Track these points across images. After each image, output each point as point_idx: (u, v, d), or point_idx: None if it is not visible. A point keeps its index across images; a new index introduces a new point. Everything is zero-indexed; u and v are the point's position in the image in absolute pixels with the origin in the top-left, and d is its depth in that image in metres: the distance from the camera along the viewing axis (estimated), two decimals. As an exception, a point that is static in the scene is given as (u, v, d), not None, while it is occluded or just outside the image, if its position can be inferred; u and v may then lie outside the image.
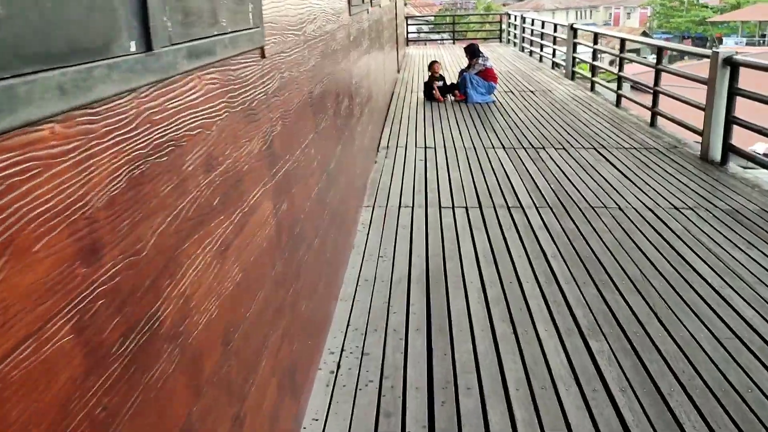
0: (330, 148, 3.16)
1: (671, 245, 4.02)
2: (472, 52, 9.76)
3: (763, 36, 49.38)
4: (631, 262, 3.78)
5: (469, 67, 9.73)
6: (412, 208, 4.83)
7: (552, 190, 5.19)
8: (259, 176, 1.78)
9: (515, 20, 18.28)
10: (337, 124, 3.41)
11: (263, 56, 1.84)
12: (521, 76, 12.07)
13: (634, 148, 6.58)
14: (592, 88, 10.33)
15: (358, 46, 4.71)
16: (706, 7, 55.69)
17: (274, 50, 1.96)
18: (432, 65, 9.80)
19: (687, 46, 6.89)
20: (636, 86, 9.14)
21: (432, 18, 39.13)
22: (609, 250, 3.95)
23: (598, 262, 3.79)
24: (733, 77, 5.69)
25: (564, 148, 6.59)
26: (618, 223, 4.42)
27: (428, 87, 9.66)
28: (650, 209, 4.70)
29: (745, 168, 6.02)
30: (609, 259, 3.83)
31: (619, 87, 8.94)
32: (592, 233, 4.23)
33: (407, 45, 20.41)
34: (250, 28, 1.71)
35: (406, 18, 21.80)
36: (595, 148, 6.56)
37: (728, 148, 5.77)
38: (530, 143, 6.83)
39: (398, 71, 12.96)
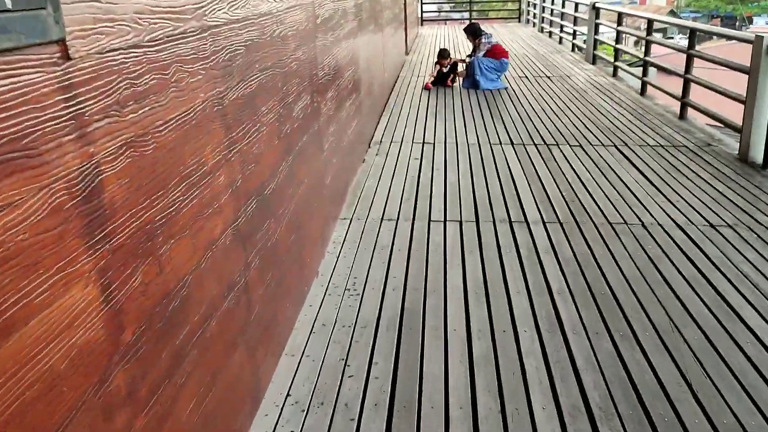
0: (268, 164, 2.45)
1: (707, 278, 3.27)
2: (473, 32, 8.88)
3: (796, 16, 47.39)
4: (657, 303, 3.03)
5: (474, 50, 8.90)
6: (397, 221, 4.11)
7: (564, 199, 4.43)
8: (59, 255, 1.08)
9: (535, -1, 17.29)
10: (284, 130, 2.69)
11: (67, 57, 1.13)
12: (538, 60, 11.20)
13: (661, 145, 5.77)
14: (615, 74, 9.45)
15: (334, 30, 3.96)
16: (737, -15, 53.68)
17: (101, 45, 1.25)
18: (440, 57, 8.90)
19: (722, 29, 6.09)
20: (661, 69, 8.26)
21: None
22: (629, 285, 3.20)
23: (614, 302, 3.05)
24: (781, 66, 4.86)
25: (580, 145, 5.80)
26: (641, 246, 3.66)
27: (438, 78, 8.85)
28: (680, 226, 3.93)
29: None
30: (629, 297, 3.09)
31: (645, 73, 8.08)
32: (608, 260, 3.48)
33: (421, 24, 19.52)
34: (26, 9, 1.00)
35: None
36: (615, 146, 5.76)
37: (772, 149, 4.96)
38: (542, 138, 6.04)
39: (407, 53, 12.15)
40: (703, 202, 4.32)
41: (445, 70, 8.85)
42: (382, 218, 4.15)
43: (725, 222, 3.99)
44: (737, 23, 51.31)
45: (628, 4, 57.39)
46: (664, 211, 4.19)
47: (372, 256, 3.61)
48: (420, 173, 5.04)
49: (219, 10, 1.91)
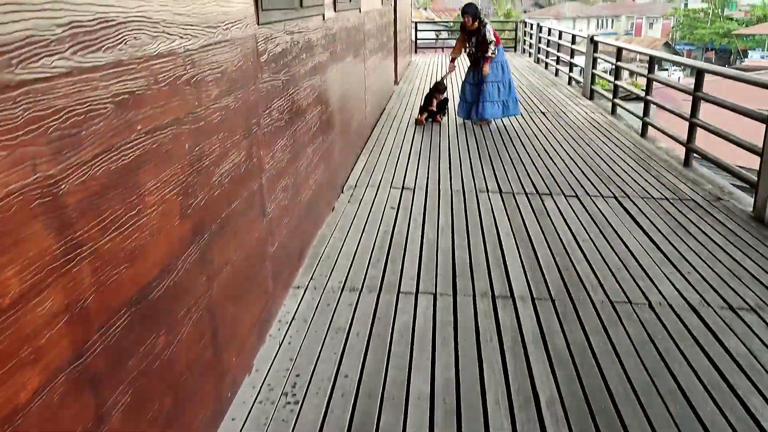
0: (160, 255, 1.82)
1: (731, 385, 2.64)
2: (475, 13, 7.76)
3: (791, 51, 47.47)
4: (672, 425, 2.40)
5: (478, 42, 7.73)
6: (360, 292, 3.47)
7: (557, 266, 3.81)
8: None
9: (531, 29, 16.86)
10: (193, 204, 2.06)
11: None
12: (533, 93, 10.67)
13: (666, 198, 5.17)
14: (614, 111, 8.91)
15: (291, 66, 3.36)
16: (731, 19, 53.87)
17: None
18: (435, 91, 8.19)
19: (734, 71, 5.52)
20: (664, 109, 7.68)
21: (449, 23, 37.66)
22: (636, 396, 2.57)
23: (619, 423, 2.41)
24: (805, 118, 4.28)
25: (577, 196, 5.19)
26: (648, 336, 3.03)
27: (426, 111, 8.20)
28: (694, 309, 3.31)
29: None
30: (636, 416, 2.45)
31: (646, 113, 7.53)
32: (610, 358, 2.85)
33: (415, 52, 19.09)
34: None
35: (415, 23, 20.46)
36: (616, 197, 5.16)
37: (794, 210, 4.36)
38: (534, 186, 5.44)
39: (396, 83, 11.62)
40: (719, 276, 3.70)
41: (434, 109, 8.21)
42: (343, 288, 3.52)
43: (747, 304, 3.36)
44: (732, 56, 51.43)
45: (623, 36, 57.60)
46: (674, 285, 3.57)
47: (323, 342, 2.97)
48: (394, 228, 4.42)
49: (50, 55, 1.29)
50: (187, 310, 2.02)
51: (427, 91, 8.70)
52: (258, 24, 2.73)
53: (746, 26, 51.69)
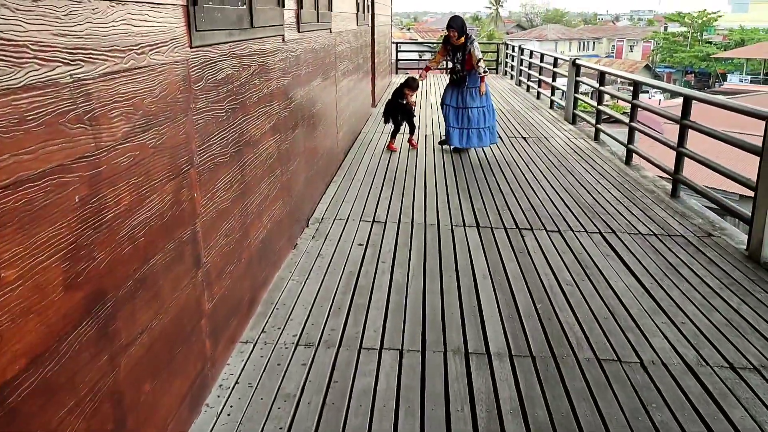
0: (27, 344, 1.42)
1: (741, 473, 2.26)
2: (461, 28, 7.19)
3: (768, 74, 48.07)
4: None
5: (465, 60, 7.23)
6: (317, 348, 3.06)
7: (538, 315, 3.43)
8: None
9: (513, 51, 16.68)
10: (87, 269, 1.66)
11: None
12: (514, 117, 10.39)
13: (654, 234, 4.83)
14: (597, 137, 8.63)
15: (239, 94, 2.98)
16: (710, 43, 54.57)
17: None
18: (406, 87, 7.47)
19: (725, 99, 5.24)
20: (650, 137, 7.36)
21: (432, 43, 37.53)
22: (631, 486, 2.19)
23: None
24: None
25: (559, 231, 4.84)
26: (641, 402, 2.66)
27: (390, 110, 7.68)
28: (691, 369, 2.94)
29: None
30: None
31: (630, 140, 7.23)
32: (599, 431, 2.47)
33: (395, 72, 18.84)
34: None
35: (397, 44, 20.25)
36: (600, 233, 4.82)
37: (792, 250, 4.03)
38: (514, 220, 5.08)
39: (374, 105, 11.29)
40: (716, 326, 3.35)
41: (408, 100, 7.46)
42: (297, 343, 3.11)
43: (750, 363, 3.00)
44: (711, 80, 52.00)
45: (605, 58, 58.13)
46: (667, 339, 3.20)
47: (269, 413, 2.55)
48: (361, 269, 4.02)
49: None
50: (75, 404, 1.61)
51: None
52: (191, 47, 2.35)
53: (725, 50, 52.35)
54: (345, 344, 3.10)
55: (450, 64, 7.49)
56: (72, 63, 1.57)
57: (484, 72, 7.22)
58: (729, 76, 50.91)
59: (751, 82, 47.70)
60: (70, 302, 1.59)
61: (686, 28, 55.39)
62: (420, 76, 7.82)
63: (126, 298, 1.88)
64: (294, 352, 3.02)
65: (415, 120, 8.05)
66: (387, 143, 7.83)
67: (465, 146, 7.46)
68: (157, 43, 2.06)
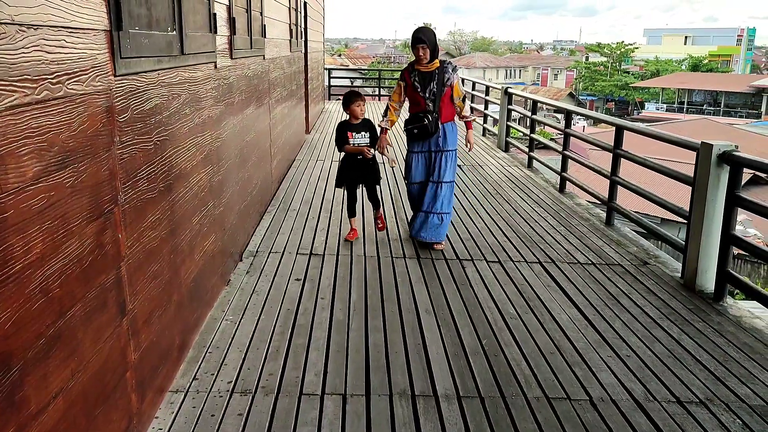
0: None
1: None
2: (432, 43, 4.75)
3: (682, 103, 50.74)
4: None
5: (439, 94, 4.77)
6: (253, 395, 2.85)
7: (484, 352, 3.33)
8: None
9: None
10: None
11: None
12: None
13: (592, 263, 4.85)
14: (530, 165, 8.75)
15: (169, 125, 2.77)
16: (628, 72, 57.24)
17: None
18: (350, 101, 4.96)
19: (662, 131, 5.34)
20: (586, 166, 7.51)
21: (364, 70, 37.78)
22: None
23: None
24: (734, 181, 4.07)
25: (499, 261, 4.79)
26: (595, 445, 2.59)
27: (342, 136, 5.01)
28: (640, 405, 2.89)
29: (744, 306, 4.34)
30: None
31: (564, 168, 7.35)
32: (554, 480, 2.36)
33: (329, 98, 18.77)
34: None
35: (329, 70, 20.22)
36: (540, 263, 4.80)
37: (726, 278, 4.10)
38: (454, 250, 5.01)
39: (308, 131, 11.14)
40: (659, 359, 3.33)
41: (355, 122, 4.96)
42: (232, 390, 2.89)
43: (696, 396, 2.98)
44: (630, 107, 54.47)
45: (531, 85, 60.06)
46: (614, 373, 3.16)
47: (201, 474, 2.33)
48: (299, 306, 3.84)
49: None
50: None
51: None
52: (114, 75, 2.15)
53: (641, 79, 55.00)
54: (284, 390, 2.90)
55: (407, 106, 4.98)
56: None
57: (469, 114, 5.08)
58: (646, 104, 53.50)
59: (666, 110, 50.28)
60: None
61: (606, 58, 57.96)
62: (379, 146, 5.00)
63: (37, 358, 1.65)
64: (229, 400, 2.81)
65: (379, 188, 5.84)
66: (347, 233, 5.22)
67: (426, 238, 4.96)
68: (76, 72, 1.86)
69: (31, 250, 1.62)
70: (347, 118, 5.10)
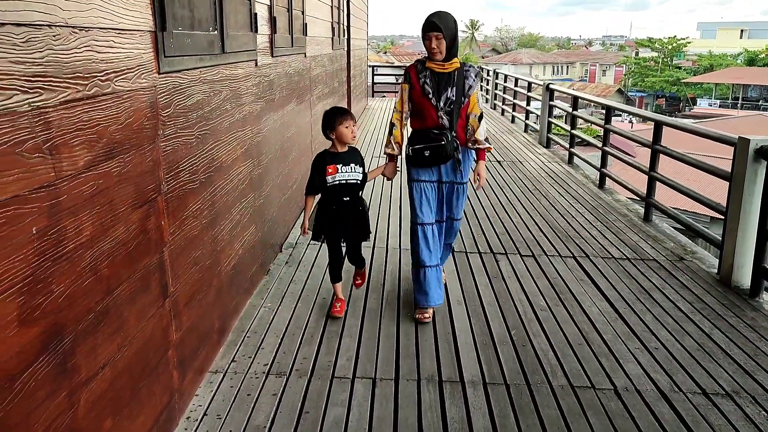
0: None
1: (715, 503, 2.24)
2: (452, 31, 3.43)
3: (736, 99, 49.24)
4: None
5: (439, 113, 3.47)
6: (287, 377, 3.00)
7: (512, 342, 3.41)
8: None
9: (488, 74, 16.87)
10: (36, 304, 1.60)
11: None
12: (489, 141, 10.44)
13: (627, 258, 4.86)
14: (570, 161, 8.72)
15: (207, 120, 2.94)
16: (680, 68, 55.77)
17: None
18: (334, 120, 3.60)
19: (698, 126, 5.32)
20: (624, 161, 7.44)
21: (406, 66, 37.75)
22: None
23: None
24: (771, 176, 4.03)
25: (533, 255, 4.85)
26: (614, 430, 2.64)
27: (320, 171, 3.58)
28: (665, 395, 2.93)
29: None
30: None
31: (604, 164, 7.31)
32: (573, 463, 2.44)
33: (372, 95, 18.97)
34: None
35: (373, 67, 20.39)
36: (575, 257, 4.83)
37: (762, 274, 4.07)
38: (489, 244, 5.09)
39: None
40: (688, 352, 3.35)
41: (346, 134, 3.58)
42: (268, 372, 3.04)
43: (722, 388, 3.00)
44: (681, 104, 53.10)
45: (578, 81, 59.13)
46: (640, 365, 3.20)
47: (236, 447, 2.49)
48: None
49: None
50: (29, 444, 1.54)
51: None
52: (159, 73, 2.32)
53: (694, 75, 53.52)
54: (317, 373, 3.04)
55: (408, 121, 3.73)
56: (30, 91, 1.52)
57: (485, 141, 3.70)
58: (699, 100, 52.07)
59: (720, 106, 48.85)
60: (24, 338, 1.53)
61: (657, 53, 56.59)
62: (388, 173, 3.94)
63: (87, 331, 1.82)
64: (265, 381, 2.96)
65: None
66: (331, 304, 3.79)
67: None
68: (123, 70, 2.02)
69: (81, 232, 1.78)
70: (328, 146, 3.65)
